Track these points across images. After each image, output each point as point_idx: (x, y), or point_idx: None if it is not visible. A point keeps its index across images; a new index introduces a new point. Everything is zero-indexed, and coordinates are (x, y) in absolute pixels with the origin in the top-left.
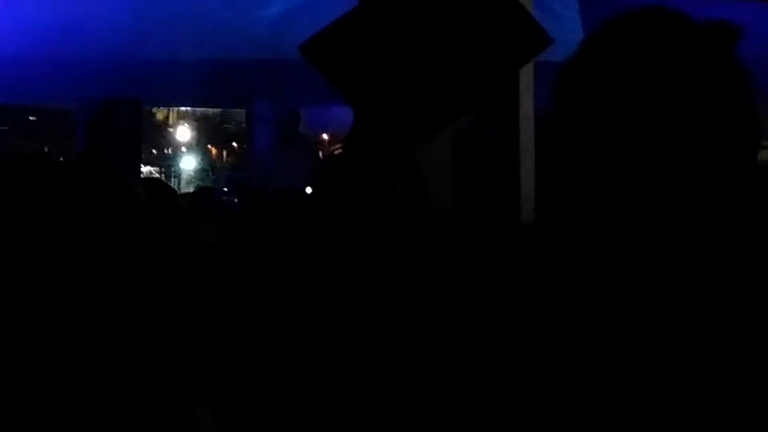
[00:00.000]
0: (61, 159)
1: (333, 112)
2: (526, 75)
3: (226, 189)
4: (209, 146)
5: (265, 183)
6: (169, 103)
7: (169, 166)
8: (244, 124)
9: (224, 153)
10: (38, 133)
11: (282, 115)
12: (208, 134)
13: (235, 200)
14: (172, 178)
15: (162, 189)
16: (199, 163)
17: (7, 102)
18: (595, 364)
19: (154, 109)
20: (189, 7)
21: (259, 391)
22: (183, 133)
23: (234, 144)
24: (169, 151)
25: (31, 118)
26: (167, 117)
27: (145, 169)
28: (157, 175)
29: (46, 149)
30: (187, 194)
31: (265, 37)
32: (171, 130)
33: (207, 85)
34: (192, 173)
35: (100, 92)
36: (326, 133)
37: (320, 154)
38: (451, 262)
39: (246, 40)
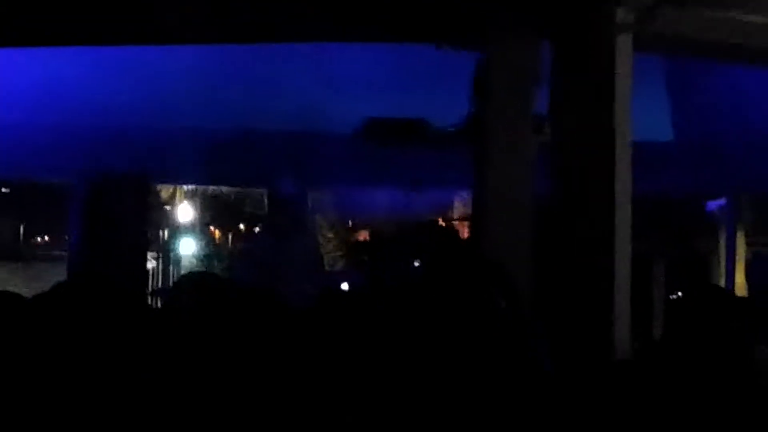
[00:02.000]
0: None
1: (358, 195)
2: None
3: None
4: (211, 228)
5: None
6: (177, 180)
7: (167, 250)
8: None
9: (230, 237)
10: (11, 208)
11: (273, 199)
12: (213, 215)
13: None
14: (171, 266)
15: None
16: (202, 249)
17: None
18: None
19: (159, 186)
20: (203, 71)
21: None
22: (185, 212)
23: (241, 227)
24: (165, 234)
25: (3, 189)
26: (173, 195)
27: None
28: (154, 262)
29: (21, 228)
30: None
31: (292, 107)
32: (168, 208)
33: (224, 161)
34: (194, 259)
35: (98, 166)
36: (353, 218)
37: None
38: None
39: (270, 110)
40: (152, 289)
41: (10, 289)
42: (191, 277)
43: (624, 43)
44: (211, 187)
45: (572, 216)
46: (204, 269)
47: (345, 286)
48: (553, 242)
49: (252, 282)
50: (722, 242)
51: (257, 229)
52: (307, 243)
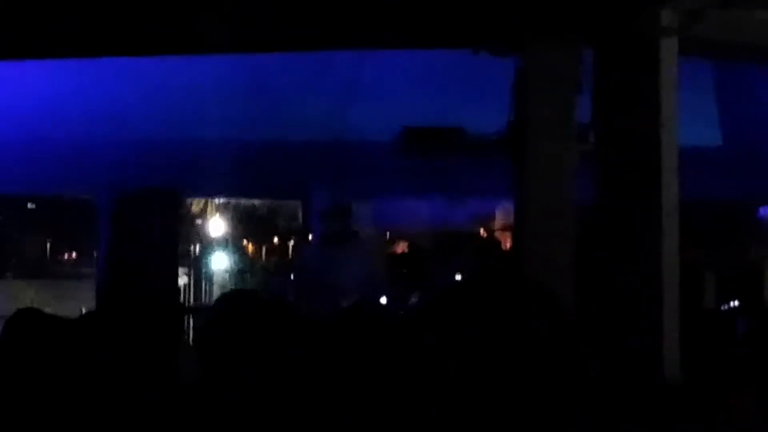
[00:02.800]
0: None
1: (397, 206)
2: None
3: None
4: (245, 241)
5: (308, 287)
6: (209, 194)
7: (199, 266)
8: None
9: (263, 251)
10: (38, 224)
11: (328, 211)
12: (246, 229)
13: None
14: (204, 281)
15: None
16: (235, 263)
17: (11, 192)
18: None
19: (189, 200)
20: (234, 81)
21: None
22: (216, 226)
23: (275, 240)
24: (196, 249)
25: (29, 205)
26: (204, 208)
27: None
28: (185, 277)
29: (47, 244)
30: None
31: (326, 117)
32: (199, 221)
33: (257, 173)
34: (226, 275)
35: (126, 179)
36: (388, 229)
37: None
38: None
39: (303, 120)
40: (188, 307)
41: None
42: (231, 296)
43: (669, 48)
44: (243, 200)
45: (617, 226)
46: (236, 285)
47: (383, 299)
48: (598, 253)
49: (311, 296)
50: None
51: (291, 243)
52: (363, 254)
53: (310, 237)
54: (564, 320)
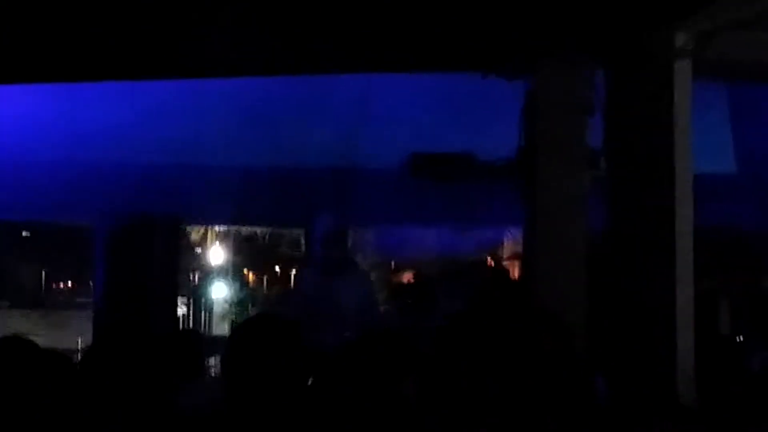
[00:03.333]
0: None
1: (402, 233)
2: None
3: None
4: (245, 271)
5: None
6: (209, 221)
7: (198, 295)
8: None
9: (265, 280)
10: (33, 253)
11: (322, 237)
12: (247, 257)
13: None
14: (202, 312)
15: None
16: (235, 293)
17: (3, 218)
18: None
19: (188, 228)
20: (236, 104)
21: None
22: (216, 255)
23: (277, 269)
24: (196, 277)
25: (24, 233)
26: (204, 236)
27: None
28: (184, 307)
29: (42, 272)
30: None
31: (331, 141)
32: (199, 249)
33: (258, 199)
34: (227, 305)
35: (125, 207)
36: (393, 258)
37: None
38: None
39: (306, 145)
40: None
41: (32, 338)
42: (253, 322)
43: (683, 69)
44: (244, 228)
45: (630, 253)
46: (236, 315)
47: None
48: (611, 281)
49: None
50: None
51: (294, 272)
52: (362, 282)
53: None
54: (573, 347)
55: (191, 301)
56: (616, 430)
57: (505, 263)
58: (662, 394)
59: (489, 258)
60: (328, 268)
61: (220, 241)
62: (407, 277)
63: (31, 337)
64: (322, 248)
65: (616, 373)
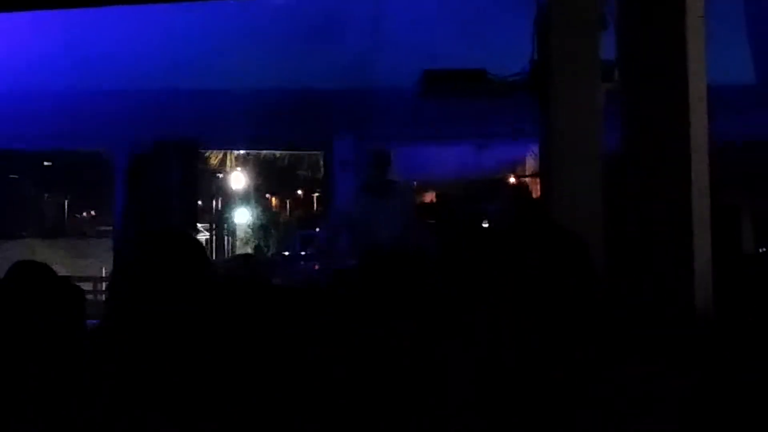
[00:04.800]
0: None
1: (422, 153)
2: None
3: (303, 253)
4: (268, 196)
5: (348, 241)
6: (227, 146)
7: (221, 221)
8: (310, 171)
9: (288, 204)
10: (55, 182)
11: (369, 158)
12: (267, 181)
13: (316, 266)
14: (226, 237)
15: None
16: (258, 218)
17: (24, 148)
18: None
19: (207, 153)
20: (248, 28)
21: None
22: (237, 179)
23: (299, 192)
24: (218, 203)
25: (45, 163)
26: (223, 161)
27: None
28: (206, 233)
29: (65, 202)
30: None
31: (346, 64)
32: (220, 175)
33: (276, 122)
34: (249, 230)
35: (143, 133)
36: (415, 178)
37: None
38: None
39: (325, 67)
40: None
41: (56, 268)
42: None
43: None
44: (263, 152)
45: (645, 167)
46: (260, 240)
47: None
48: (626, 195)
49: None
50: None
51: (316, 195)
52: (402, 204)
53: (337, 188)
54: (593, 267)
55: (214, 227)
56: (632, 342)
57: (526, 180)
58: (680, 310)
59: (511, 176)
60: (372, 189)
61: (240, 166)
62: (430, 197)
63: (55, 266)
64: (367, 169)
65: (633, 288)
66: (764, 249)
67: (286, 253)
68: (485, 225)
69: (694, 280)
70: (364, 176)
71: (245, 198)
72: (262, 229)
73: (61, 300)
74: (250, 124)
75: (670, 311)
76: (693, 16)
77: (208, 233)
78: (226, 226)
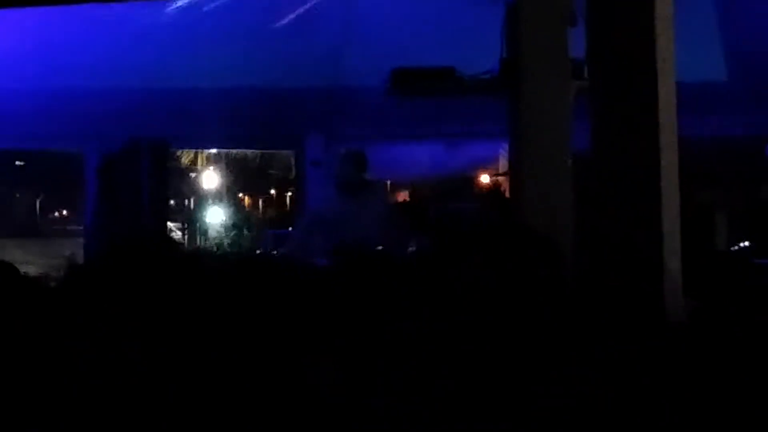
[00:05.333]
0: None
1: (394, 152)
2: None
3: (275, 252)
4: (240, 195)
5: (321, 241)
6: (198, 145)
7: (193, 220)
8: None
9: (260, 203)
10: (27, 181)
11: (345, 158)
12: (240, 181)
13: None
14: (198, 236)
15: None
16: (230, 217)
17: None
18: None
19: (178, 152)
20: (222, 28)
21: None
22: (210, 178)
23: (272, 192)
24: (191, 203)
25: (17, 163)
26: (194, 160)
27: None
28: (179, 233)
29: (37, 202)
30: None
31: (318, 61)
32: (193, 175)
33: (246, 121)
34: (221, 230)
35: (114, 132)
36: (387, 177)
37: None
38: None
39: (296, 65)
40: None
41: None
42: None
43: None
44: (234, 151)
45: (614, 164)
46: (233, 239)
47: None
48: (595, 192)
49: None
50: None
51: (289, 194)
52: (377, 204)
53: (309, 187)
54: (563, 266)
55: (185, 225)
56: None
57: (498, 180)
58: (649, 311)
59: (484, 175)
60: (346, 188)
61: (211, 166)
62: (403, 196)
63: (24, 266)
64: (340, 169)
65: (601, 289)
66: (738, 246)
67: (258, 252)
68: (458, 224)
69: (663, 279)
70: (335, 176)
71: (217, 197)
72: (235, 228)
73: (25, 298)
74: (221, 123)
75: (638, 310)
76: (662, 11)
77: (180, 232)
78: (198, 225)
